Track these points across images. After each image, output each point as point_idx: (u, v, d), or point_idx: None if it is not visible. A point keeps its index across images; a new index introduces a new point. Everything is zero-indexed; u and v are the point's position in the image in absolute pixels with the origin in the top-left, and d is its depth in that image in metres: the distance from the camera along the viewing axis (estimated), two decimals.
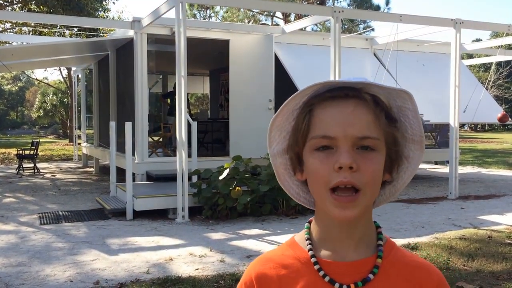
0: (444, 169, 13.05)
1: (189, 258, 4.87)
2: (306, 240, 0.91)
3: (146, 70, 8.71)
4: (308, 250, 0.89)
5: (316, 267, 0.87)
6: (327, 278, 0.85)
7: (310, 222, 0.94)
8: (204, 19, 30.32)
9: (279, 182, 0.96)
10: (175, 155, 8.94)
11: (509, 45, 11.63)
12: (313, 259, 0.87)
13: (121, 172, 8.15)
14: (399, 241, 5.41)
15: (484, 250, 4.98)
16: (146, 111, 8.80)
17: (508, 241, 5.34)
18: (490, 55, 12.93)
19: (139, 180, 8.39)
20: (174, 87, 11.20)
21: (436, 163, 14.24)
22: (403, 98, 0.84)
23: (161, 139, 10.90)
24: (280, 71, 9.25)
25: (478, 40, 33.11)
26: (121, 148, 8.44)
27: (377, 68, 9.47)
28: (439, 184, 10.24)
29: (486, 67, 39.26)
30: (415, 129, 0.87)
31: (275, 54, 9.29)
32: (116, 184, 7.83)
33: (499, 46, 10.90)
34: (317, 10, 8.08)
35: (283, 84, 9.38)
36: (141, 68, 8.63)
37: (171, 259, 4.81)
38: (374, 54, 10.36)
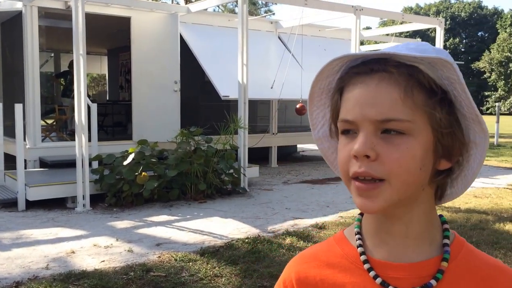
0: None
1: (93, 249, 4.55)
2: (356, 235, 0.78)
3: (37, 47, 7.99)
4: (357, 247, 0.76)
5: (365, 266, 0.74)
6: (378, 280, 0.73)
7: (362, 214, 0.81)
8: None
9: (332, 169, 0.84)
10: (71, 140, 8.36)
11: (401, 33, 12.30)
12: (362, 257, 0.75)
13: (9, 159, 7.44)
14: (308, 221, 5.52)
15: None
16: (38, 91, 8.08)
17: None
18: (379, 42, 13.67)
19: (31, 167, 7.73)
20: (69, 66, 10.52)
21: None
22: (446, 67, 0.67)
23: (55, 123, 10.15)
24: (186, 51, 8.97)
25: (368, 28, 34.92)
26: (9, 132, 7.69)
27: (282, 52, 9.54)
28: None
29: None
30: (466, 105, 0.70)
31: (180, 35, 8.97)
32: (5, 172, 7.14)
33: (393, 33, 11.53)
34: None
35: (189, 65, 9.12)
36: (31, 45, 7.89)
37: (73, 252, 4.45)
38: (279, 38, 10.43)
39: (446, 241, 0.75)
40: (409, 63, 0.69)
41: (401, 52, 0.67)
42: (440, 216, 0.78)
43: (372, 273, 0.73)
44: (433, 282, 0.72)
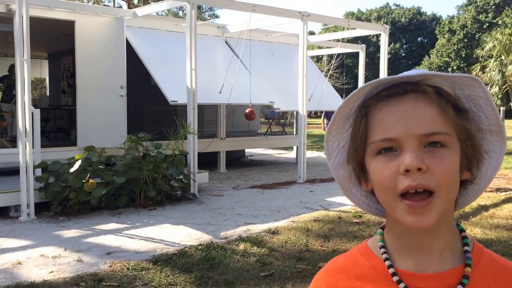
0: (288, 154, 13.84)
1: (40, 260, 4.40)
2: (381, 249, 0.81)
3: None
4: (384, 260, 0.79)
5: (395, 278, 0.77)
6: None
7: (383, 228, 0.84)
8: None
9: (345, 195, 0.86)
10: (12, 146, 8.02)
11: (343, 38, 12.57)
12: (391, 270, 0.78)
13: None
14: (260, 227, 5.58)
15: (336, 231, 5.37)
16: None
17: (356, 220, 5.84)
18: (322, 47, 14.01)
19: None
20: (9, 71, 10.08)
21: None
22: (471, 86, 0.76)
23: None
24: (132, 56, 8.83)
25: (312, 33, 35.60)
26: None
27: (229, 57, 9.58)
28: (287, 169, 10.82)
29: (318, 58, 42.49)
30: (491, 118, 0.78)
31: (126, 39, 8.82)
32: None
33: (339, 39, 11.85)
34: None
35: (136, 70, 8.98)
36: None
37: (20, 263, 4.29)
38: (226, 42, 10.47)
39: (467, 248, 0.79)
40: (433, 84, 0.76)
41: (436, 72, 0.74)
42: (457, 224, 0.82)
43: (401, 285, 0.77)
44: None
